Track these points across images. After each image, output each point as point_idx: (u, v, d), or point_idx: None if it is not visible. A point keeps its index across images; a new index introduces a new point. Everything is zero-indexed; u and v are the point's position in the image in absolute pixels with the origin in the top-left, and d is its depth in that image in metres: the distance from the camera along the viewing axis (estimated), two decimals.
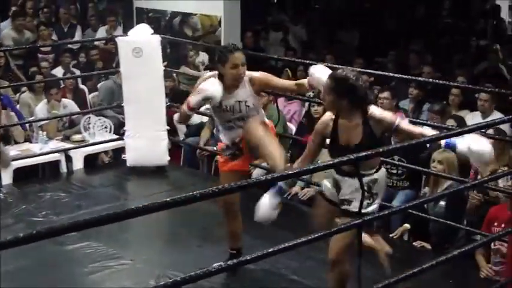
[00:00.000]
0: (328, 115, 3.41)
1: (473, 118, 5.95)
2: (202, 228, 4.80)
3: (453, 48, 9.02)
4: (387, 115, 3.36)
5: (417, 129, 3.39)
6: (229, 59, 3.71)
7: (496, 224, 4.27)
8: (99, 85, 7.56)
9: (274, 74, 4.11)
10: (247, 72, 3.82)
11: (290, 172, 2.66)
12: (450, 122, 5.35)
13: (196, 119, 7.07)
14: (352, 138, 3.31)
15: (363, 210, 3.22)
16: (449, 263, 3.15)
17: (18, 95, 7.15)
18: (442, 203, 4.64)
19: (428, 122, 5.65)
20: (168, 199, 2.20)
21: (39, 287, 3.93)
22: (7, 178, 5.64)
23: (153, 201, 2.18)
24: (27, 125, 6.29)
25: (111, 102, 6.92)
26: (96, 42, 8.58)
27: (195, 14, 8.62)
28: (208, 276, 2.41)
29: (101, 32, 9.09)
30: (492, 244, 4.20)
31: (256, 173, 5.72)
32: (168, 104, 6.25)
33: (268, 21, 10.24)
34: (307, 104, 6.34)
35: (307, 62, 6.49)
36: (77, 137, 6.23)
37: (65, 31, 9.26)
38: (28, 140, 6.16)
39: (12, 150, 5.83)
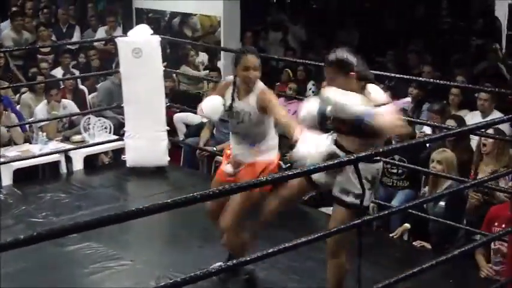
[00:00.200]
0: None
1: (473, 118, 5.95)
2: (203, 229, 4.79)
3: (453, 47, 9.03)
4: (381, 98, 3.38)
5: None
6: (241, 60, 3.69)
7: (496, 223, 4.27)
8: (98, 86, 7.57)
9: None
10: (262, 86, 3.73)
11: (290, 173, 2.66)
12: (450, 122, 5.35)
13: (196, 119, 7.08)
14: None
15: (356, 202, 3.32)
16: (449, 262, 3.15)
17: (17, 95, 7.16)
18: (442, 203, 4.64)
19: (428, 122, 5.67)
20: (168, 200, 2.20)
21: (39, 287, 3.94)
22: (7, 179, 5.64)
23: (154, 202, 2.18)
24: (27, 125, 6.29)
25: (110, 102, 6.92)
26: (95, 43, 8.59)
27: (195, 15, 8.63)
28: (209, 277, 2.41)
29: (101, 33, 9.10)
30: (492, 244, 4.20)
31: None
32: (168, 104, 6.26)
33: (268, 21, 10.25)
34: None
35: (307, 62, 6.55)
36: (76, 137, 6.23)
37: (64, 32, 9.27)
38: (28, 141, 6.16)
39: (12, 151, 5.83)
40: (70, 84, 7.20)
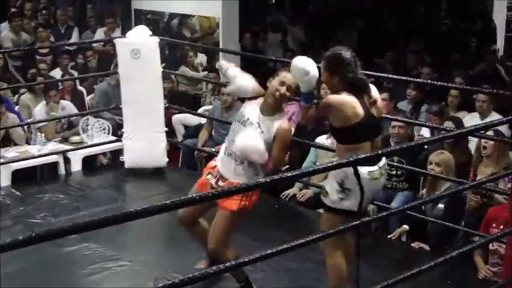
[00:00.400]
0: None
1: (471, 119, 5.96)
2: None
3: (451, 49, 9.04)
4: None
5: None
6: (281, 72, 3.61)
7: (494, 225, 4.28)
8: (95, 87, 7.58)
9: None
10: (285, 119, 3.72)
11: (289, 174, 2.66)
12: (448, 124, 5.36)
13: (194, 120, 7.09)
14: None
15: (334, 205, 3.38)
16: (447, 264, 3.15)
17: (16, 96, 7.16)
18: (441, 205, 4.63)
19: (427, 123, 5.68)
20: (167, 201, 2.20)
21: None
22: (5, 180, 5.63)
23: (152, 203, 2.18)
24: (25, 126, 6.29)
25: (107, 104, 6.93)
26: (94, 44, 8.59)
27: (194, 16, 8.63)
28: (207, 278, 2.41)
29: (99, 34, 9.10)
30: (490, 245, 4.20)
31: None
32: (167, 105, 6.25)
33: (267, 22, 10.25)
34: None
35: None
36: (75, 138, 6.23)
37: (62, 33, 9.27)
38: (26, 141, 6.16)
39: (11, 152, 5.83)
40: (69, 85, 7.20)
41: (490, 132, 4.81)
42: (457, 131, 4.57)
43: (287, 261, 4.14)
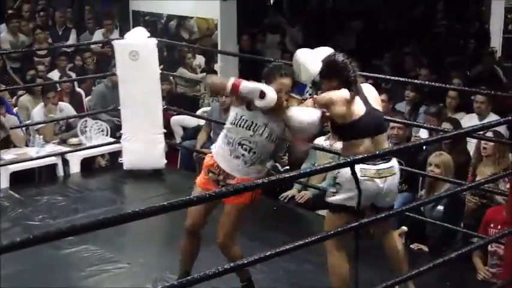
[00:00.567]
0: None
1: (469, 120, 5.97)
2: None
3: (449, 50, 9.05)
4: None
5: None
6: (277, 82, 3.53)
7: (492, 225, 4.28)
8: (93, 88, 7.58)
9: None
10: None
11: (288, 175, 2.66)
12: (445, 125, 5.37)
13: (193, 122, 7.08)
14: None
15: (329, 199, 3.45)
16: (446, 265, 3.15)
17: (14, 98, 7.15)
18: (440, 207, 4.63)
19: (425, 125, 5.68)
20: (165, 203, 2.19)
21: None
22: (4, 182, 5.62)
23: (151, 205, 2.17)
24: (23, 128, 6.28)
25: (104, 106, 6.94)
26: (92, 46, 8.59)
27: (192, 17, 8.63)
28: (206, 280, 2.41)
29: (98, 35, 9.10)
30: (489, 246, 4.20)
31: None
32: (165, 107, 6.25)
33: (265, 23, 10.25)
34: None
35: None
36: (73, 140, 6.23)
37: (60, 34, 9.27)
38: (25, 143, 6.15)
39: (9, 154, 5.82)
40: (67, 87, 7.20)
41: (489, 134, 4.81)
42: (455, 132, 4.57)
43: (286, 262, 4.14)
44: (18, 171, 5.76)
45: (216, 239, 3.72)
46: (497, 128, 4.89)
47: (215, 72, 7.86)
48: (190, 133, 6.92)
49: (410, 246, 4.74)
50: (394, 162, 3.50)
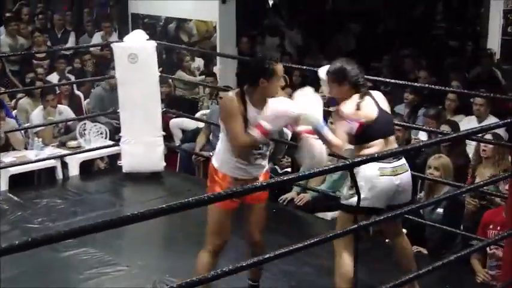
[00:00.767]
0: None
1: (468, 123, 5.97)
2: (199, 234, 4.78)
3: (448, 52, 9.05)
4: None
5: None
6: (276, 70, 3.45)
7: (491, 226, 4.28)
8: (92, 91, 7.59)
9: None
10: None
11: (287, 178, 2.66)
12: (444, 127, 5.37)
13: (192, 124, 7.09)
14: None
15: (345, 201, 3.46)
16: (445, 268, 3.15)
17: (13, 101, 7.15)
18: (440, 210, 4.63)
19: (424, 127, 5.68)
20: (164, 205, 2.19)
21: None
22: (3, 185, 5.62)
23: (149, 208, 2.18)
24: (22, 131, 6.28)
25: (102, 109, 6.94)
26: (91, 48, 8.59)
27: (191, 20, 8.63)
28: (205, 282, 2.41)
29: (96, 38, 9.11)
30: (488, 248, 4.20)
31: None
32: (164, 109, 6.25)
33: (264, 26, 10.26)
34: None
35: (304, 67, 6.56)
36: (72, 143, 6.22)
37: (59, 37, 9.28)
38: (25, 146, 6.15)
39: (8, 157, 5.82)
40: (66, 89, 7.20)
41: (488, 136, 4.82)
42: (455, 135, 4.57)
43: (285, 265, 4.13)
44: (18, 174, 5.75)
45: (252, 238, 3.64)
46: (496, 130, 4.89)
47: (214, 75, 7.86)
48: (190, 136, 6.92)
49: None
50: (404, 159, 3.58)
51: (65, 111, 6.58)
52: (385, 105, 3.65)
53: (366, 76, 3.71)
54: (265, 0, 11.41)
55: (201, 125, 6.77)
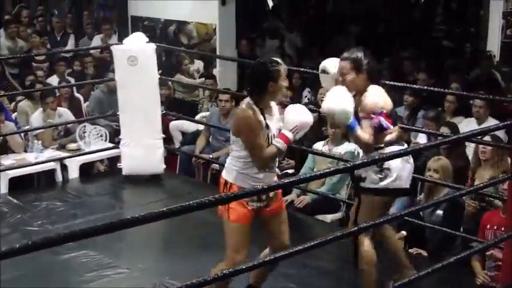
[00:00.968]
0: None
1: (468, 125, 5.97)
2: (199, 237, 4.80)
3: (447, 54, 9.05)
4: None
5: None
6: (280, 71, 3.45)
7: (488, 226, 4.29)
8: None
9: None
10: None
11: (287, 180, 2.66)
12: (444, 129, 5.37)
13: (192, 127, 7.09)
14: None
15: (374, 186, 3.51)
16: (445, 270, 3.15)
17: (13, 104, 7.16)
18: (440, 211, 4.63)
19: (424, 129, 5.69)
20: (164, 209, 2.19)
21: None
22: (2, 187, 5.62)
23: (150, 211, 2.18)
24: (22, 134, 6.28)
25: (101, 111, 6.94)
26: (91, 51, 8.60)
27: (190, 22, 8.63)
28: (206, 285, 2.41)
29: (96, 41, 9.11)
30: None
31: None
32: (164, 112, 6.26)
33: (264, 28, 10.26)
34: None
35: (302, 69, 6.56)
36: (72, 145, 6.22)
37: (58, 40, 9.28)
38: (24, 149, 6.15)
39: (8, 160, 5.82)
40: (65, 92, 7.20)
41: (487, 137, 4.82)
42: (455, 137, 4.58)
43: (285, 268, 4.13)
44: (17, 176, 5.75)
45: (282, 245, 3.56)
46: (495, 132, 4.90)
47: (214, 77, 7.87)
48: (189, 138, 6.92)
49: (410, 250, 4.73)
50: None
51: (64, 113, 6.58)
52: None
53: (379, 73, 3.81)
54: (265, 3, 11.41)
55: (201, 127, 6.77)
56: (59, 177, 6.00)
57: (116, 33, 9.24)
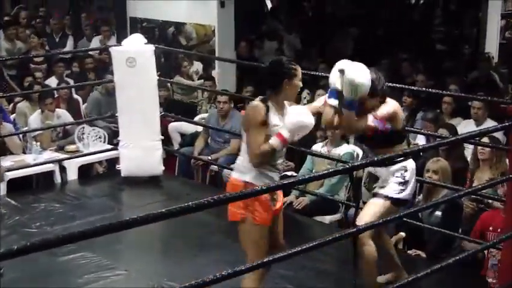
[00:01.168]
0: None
1: (466, 126, 5.97)
2: (197, 238, 4.80)
3: (446, 56, 9.05)
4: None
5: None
6: (297, 70, 3.51)
7: (491, 229, 4.28)
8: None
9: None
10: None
11: (286, 182, 2.66)
12: (442, 131, 5.37)
13: (190, 128, 7.08)
14: None
15: (396, 195, 3.65)
16: (443, 271, 3.15)
17: (11, 105, 7.15)
18: (438, 213, 4.63)
19: (422, 131, 5.69)
20: (163, 210, 2.19)
21: None
22: (1, 189, 5.61)
23: (148, 212, 2.17)
24: (21, 135, 6.27)
25: (99, 113, 6.94)
26: (91, 52, 8.59)
27: (189, 24, 8.63)
28: (204, 286, 2.40)
29: (95, 42, 9.10)
30: (486, 252, 4.20)
31: None
32: (162, 113, 6.25)
33: (263, 30, 10.26)
34: None
35: (302, 71, 6.54)
36: (71, 147, 6.22)
37: (57, 41, 9.28)
38: (23, 151, 6.14)
39: (6, 161, 5.81)
40: (64, 93, 7.19)
41: (485, 139, 4.82)
42: (454, 138, 4.58)
43: (283, 269, 4.13)
44: (16, 178, 5.75)
45: (278, 244, 3.59)
46: (494, 133, 4.90)
47: (212, 79, 7.87)
48: (188, 140, 6.92)
49: (408, 252, 4.74)
50: None
51: (63, 115, 6.58)
52: None
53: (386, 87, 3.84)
54: (263, 4, 11.42)
55: (200, 129, 6.77)
56: (57, 178, 5.99)
57: (114, 35, 9.23)
